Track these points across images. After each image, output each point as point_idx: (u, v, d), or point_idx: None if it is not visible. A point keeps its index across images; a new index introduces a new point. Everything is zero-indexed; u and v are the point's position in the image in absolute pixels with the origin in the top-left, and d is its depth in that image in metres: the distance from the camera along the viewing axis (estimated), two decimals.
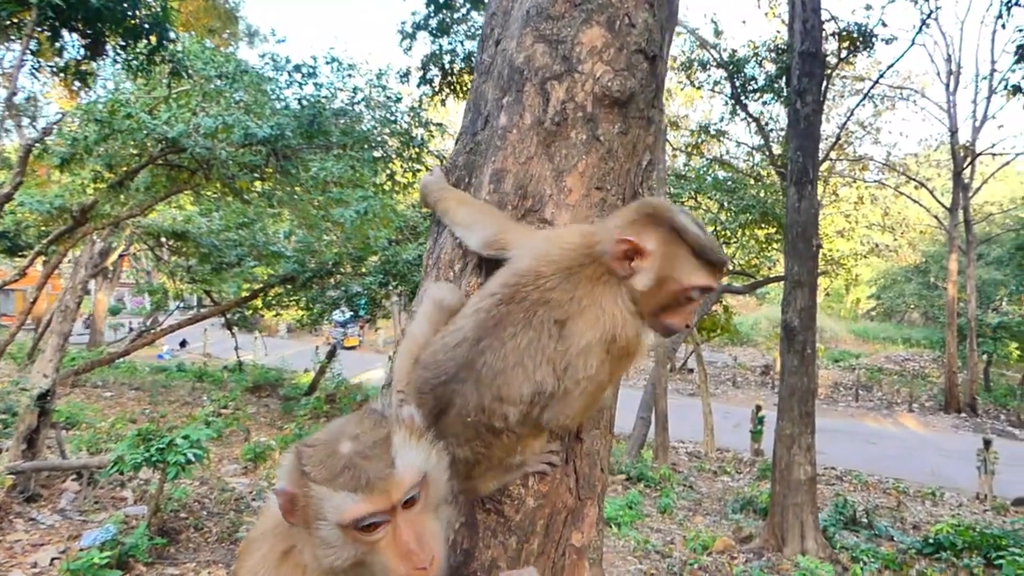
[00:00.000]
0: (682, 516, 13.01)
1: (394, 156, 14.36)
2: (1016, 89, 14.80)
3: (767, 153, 21.13)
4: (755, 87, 20.01)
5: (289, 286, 18.43)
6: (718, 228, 20.97)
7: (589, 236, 1.66)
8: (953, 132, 30.43)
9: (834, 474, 19.04)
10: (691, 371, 33.59)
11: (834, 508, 13.50)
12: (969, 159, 30.43)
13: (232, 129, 11.03)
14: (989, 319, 32.19)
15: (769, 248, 22.25)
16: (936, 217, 34.10)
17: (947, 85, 30.81)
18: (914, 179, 32.61)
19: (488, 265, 1.77)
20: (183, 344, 33.03)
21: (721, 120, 21.89)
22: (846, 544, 11.50)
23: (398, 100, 14.21)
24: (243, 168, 11.65)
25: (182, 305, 25.16)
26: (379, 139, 14.10)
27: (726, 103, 21.34)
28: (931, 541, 11.67)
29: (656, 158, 2.00)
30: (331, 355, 22.65)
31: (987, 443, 18.05)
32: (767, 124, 21.14)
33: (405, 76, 15.91)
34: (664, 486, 14.83)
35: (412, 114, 14.55)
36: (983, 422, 28.33)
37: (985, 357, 33.24)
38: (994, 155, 31.97)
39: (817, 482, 12.32)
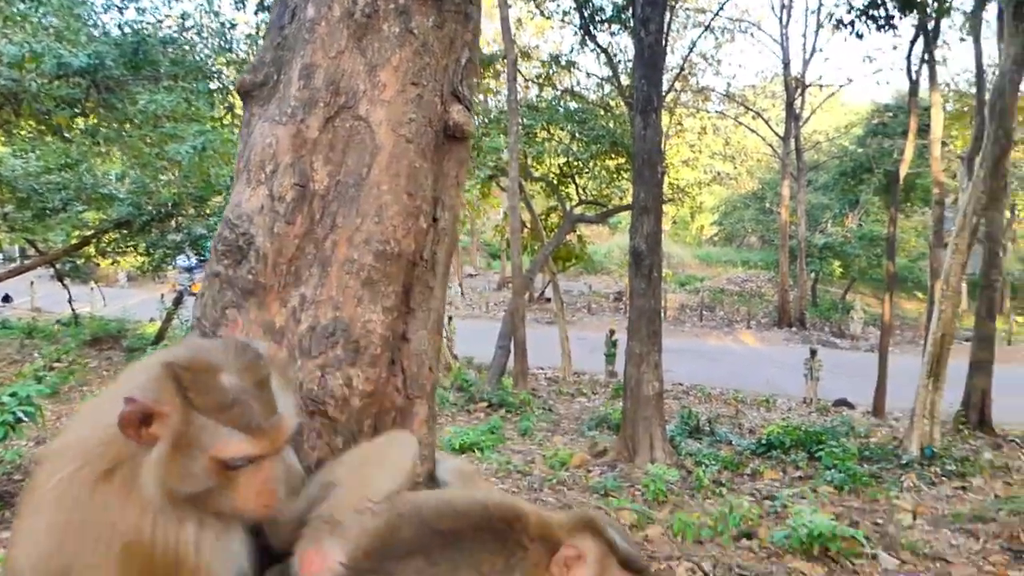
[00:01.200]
0: (541, 437, 13.52)
1: (233, 87, 13.51)
2: (840, 23, 15.79)
3: (616, 84, 21.57)
4: (603, 17, 20.25)
5: (125, 231, 17.14)
6: (570, 159, 21.37)
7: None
8: (786, 64, 32.28)
9: (681, 389, 20.32)
10: (548, 300, 34.50)
11: (680, 419, 14.47)
12: (800, 90, 32.46)
13: (42, 58, 9.96)
14: (816, 240, 35.00)
15: (619, 178, 22.93)
16: (771, 146, 36.36)
17: (780, 19, 32.58)
18: (752, 109, 34.49)
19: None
20: (6, 299, 30.21)
21: (571, 51, 21.99)
22: (691, 451, 12.39)
23: (233, 27, 13.31)
24: (60, 102, 10.61)
25: (2, 257, 22.92)
26: (215, 69, 13.20)
27: (576, 33, 21.51)
28: (763, 442, 12.80)
29: (475, 56, 1.96)
30: (177, 302, 21.47)
31: (813, 353, 19.81)
32: (616, 55, 21.52)
33: (241, 2, 14.90)
34: (524, 410, 15.31)
35: (250, 42, 13.70)
36: (810, 334, 31.05)
37: (813, 275, 36.27)
38: (821, 87, 34.27)
39: (665, 397, 13.13)
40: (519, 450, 12.35)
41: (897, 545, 8.35)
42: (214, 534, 1.28)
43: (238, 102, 14.20)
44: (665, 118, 21.83)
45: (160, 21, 12.86)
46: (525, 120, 20.25)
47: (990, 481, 11.60)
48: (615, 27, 20.44)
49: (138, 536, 1.21)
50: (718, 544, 8.11)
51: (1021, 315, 33.55)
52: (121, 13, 12.52)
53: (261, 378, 1.29)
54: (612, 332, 22.43)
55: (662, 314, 15.92)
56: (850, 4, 15.42)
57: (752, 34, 33.96)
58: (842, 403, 18.87)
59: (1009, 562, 7.99)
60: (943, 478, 11.68)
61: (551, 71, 23.45)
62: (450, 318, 23.02)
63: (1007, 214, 27.37)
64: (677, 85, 25.61)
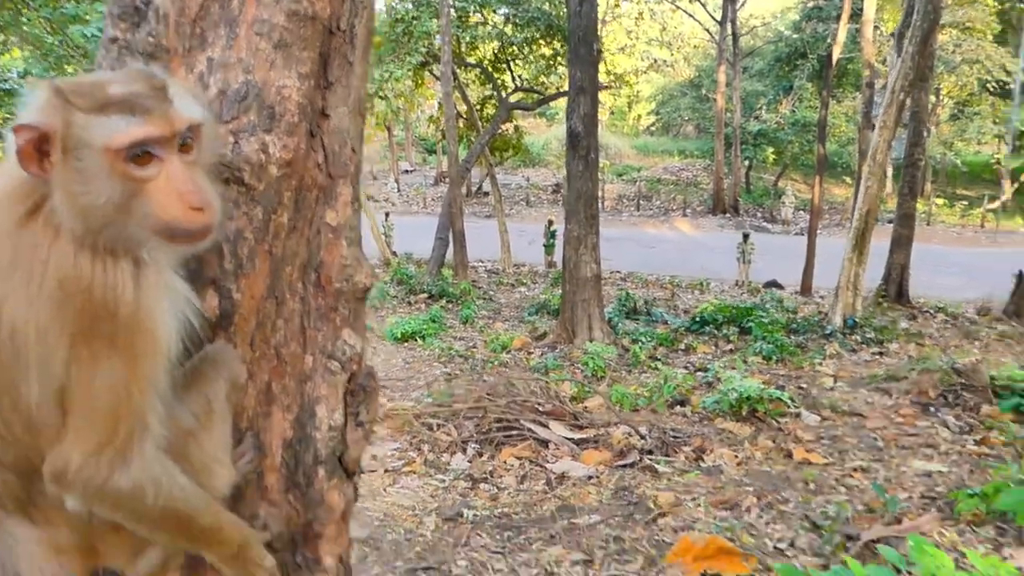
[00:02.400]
0: (482, 324, 13.70)
1: None
2: None
3: None
4: None
5: None
6: (505, 44, 20.76)
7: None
8: None
9: (619, 277, 20.70)
10: (486, 194, 34.29)
11: (618, 302, 14.81)
12: None
13: None
14: (751, 127, 35.29)
15: (555, 65, 22.46)
16: (708, 31, 35.94)
17: None
18: None
19: None
20: None
21: None
22: (628, 330, 12.76)
23: None
24: None
25: None
26: None
27: None
28: (697, 320, 13.24)
29: None
30: None
31: (745, 237, 20.31)
32: None
33: None
34: (465, 300, 15.43)
35: None
36: (744, 220, 31.77)
37: (747, 162, 36.77)
38: None
39: (603, 283, 13.42)
40: (461, 337, 12.52)
41: (819, 405, 8.88)
42: (153, 274, 1.18)
43: None
44: (601, 1, 21.24)
45: None
46: (456, 3, 19.48)
47: (904, 346, 12.33)
48: None
49: (73, 272, 1.14)
50: (653, 411, 8.49)
51: (940, 197, 34.86)
52: None
53: (157, 84, 1.18)
54: (551, 223, 22.51)
55: (600, 204, 16.02)
56: None
57: None
58: (772, 284, 19.53)
59: (917, 414, 8.60)
60: (863, 345, 12.35)
61: None
62: (387, 214, 22.74)
63: (932, 98, 27.94)
64: None
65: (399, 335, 11.77)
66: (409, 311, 14.26)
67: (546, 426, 7.48)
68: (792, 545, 4.99)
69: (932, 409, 8.79)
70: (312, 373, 1.27)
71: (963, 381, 9.27)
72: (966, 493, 5.56)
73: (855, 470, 6.76)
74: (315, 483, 1.27)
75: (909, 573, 3.23)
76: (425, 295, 15.51)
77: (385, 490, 6.29)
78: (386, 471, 6.62)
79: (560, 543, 5.11)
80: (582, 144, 11.42)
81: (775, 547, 4.68)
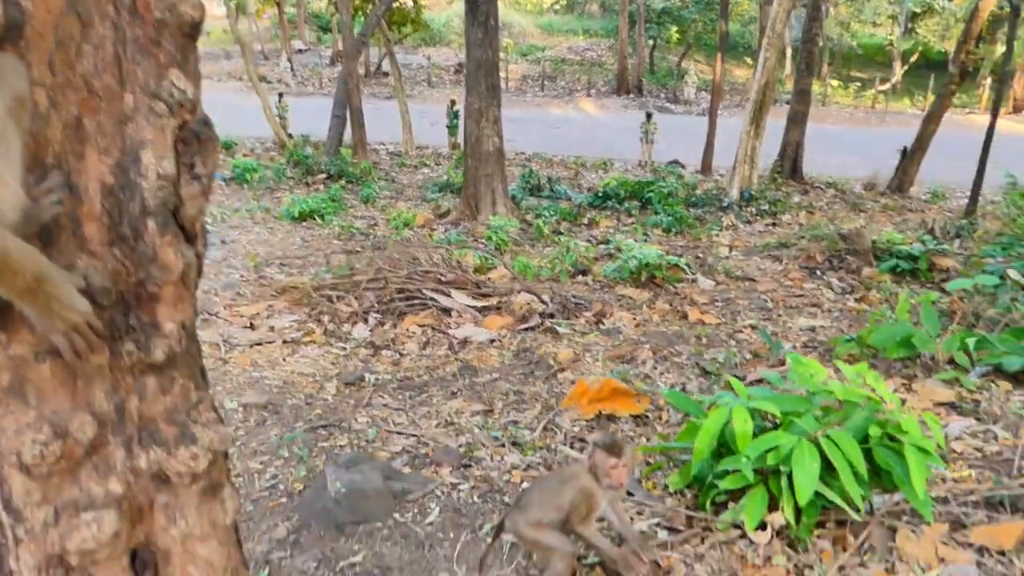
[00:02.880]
0: (384, 203, 13.38)
1: None
2: None
3: None
4: None
5: None
6: None
7: None
8: None
9: (524, 157, 20.49)
10: (386, 74, 32.88)
11: (521, 179, 14.71)
12: None
13: None
14: (655, 5, 34.78)
15: None
16: None
17: None
18: None
19: None
20: None
21: None
22: (531, 206, 12.72)
23: None
24: None
25: None
26: None
27: None
28: (600, 195, 13.32)
29: None
30: None
31: (648, 116, 20.30)
32: None
33: None
34: (365, 180, 14.98)
35: None
36: (647, 101, 31.78)
37: (651, 42, 36.45)
38: None
39: (508, 164, 13.21)
40: (361, 216, 12.20)
41: (714, 271, 9.18)
42: None
43: None
44: None
45: None
46: None
47: (796, 217, 12.83)
48: None
49: None
50: (555, 281, 8.58)
51: (836, 79, 35.75)
52: None
53: None
54: (453, 103, 21.86)
55: (504, 84, 15.56)
56: None
57: None
58: (674, 164, 19.78)
59: (804, 277, 9.03)
60: (757, 217, 12.78)
61: None
62: (280, 96, 21.48)
63: None
64: None
65: (296, 214, 11.36)
66: (307, 191, 13.74)
67: (448, 295, 7.44)
68: (683, 389, 5.21)
69: (818, 273, 9.25)
70: (134, 114, 1.11)
71: (847, 246, 9.75)
72: (844, 339, 5.92)
73: (745, 327, 7.08)
74: (144, 237, 1.13)
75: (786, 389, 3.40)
76: (323, 175, 14.95)
77: (284, 360, 6.16)
78: (285, 342, 6.48)
79: (461, 397, 5.17)
80: (481, 10, 10.93)
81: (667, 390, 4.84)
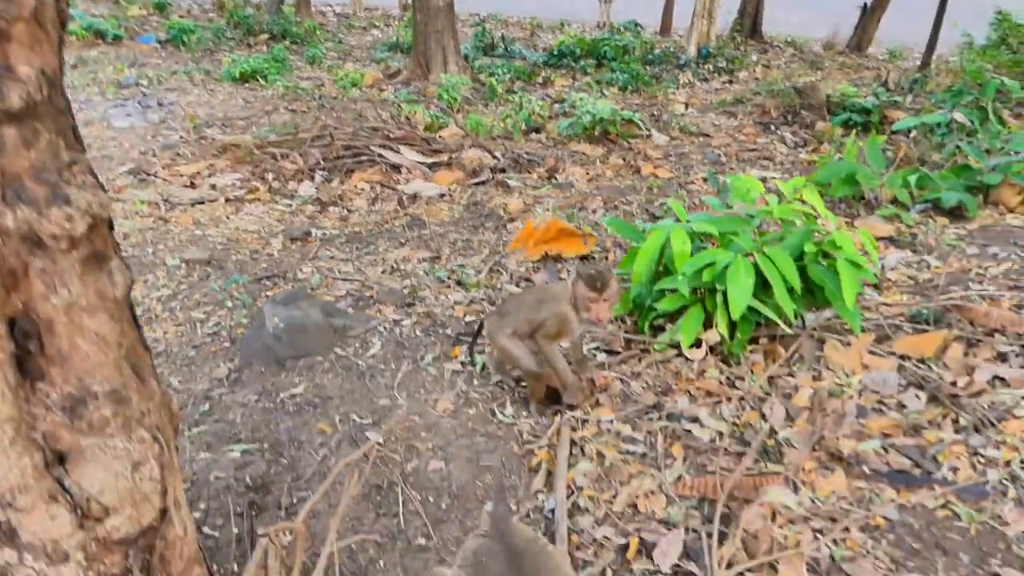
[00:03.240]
0: (331, 64, 12.80)
1: None
2: None
3: None
4: None
5: None
6: None
7: None
8: None
9: (477, 18, 19.64)
10: None
11: (475, 38, 14.12)
12: None
13: None
14: None
15: None
16: None
17: None
18: None
19: None
20: None
21: None
22: (484, 65, 12.28)
23: None
24: None
25: None
26: None
27: None
28: (555, 53, 12.88)
29: None
30: None
31: None
32: None
33: None
34: (311, 40, 14.27)
35: None
36: None
37: None
38: None
39: (461, 25, 12.63)
40: (307, 76, 11.66)
41: (669, 127, 9.04)
42: None
43: None
44: None
45: None
46: None
47: (753, 74, 12.61)
48: None
49: None
50: (508, 138, 8.38)
51: None
52: None
53: None
54: None
55: None
56: None
57: None
58: (633, 24, 19.15)
59: (759, 132, 8.95)
60: (714, 75, 12.52)
61: None
62: None
63: None
64: None
65: (237, 75, 10.82)
66: (249, 52, 13.04)
67: (397, 151, 7.24)
68: None
69: (772, 127, 9.17)
70: None
71: (802, 101, 9.63)
72: (792, 182, 5.93)
73: (698, 179, 7.05)
74: None
75: (728, 205, 3.40)
76: (266, 35, 14.17)
77: (228, 218, 6.01)
78: (227, 201, 6.29)
79: (408, 246, 5.11)
80: None
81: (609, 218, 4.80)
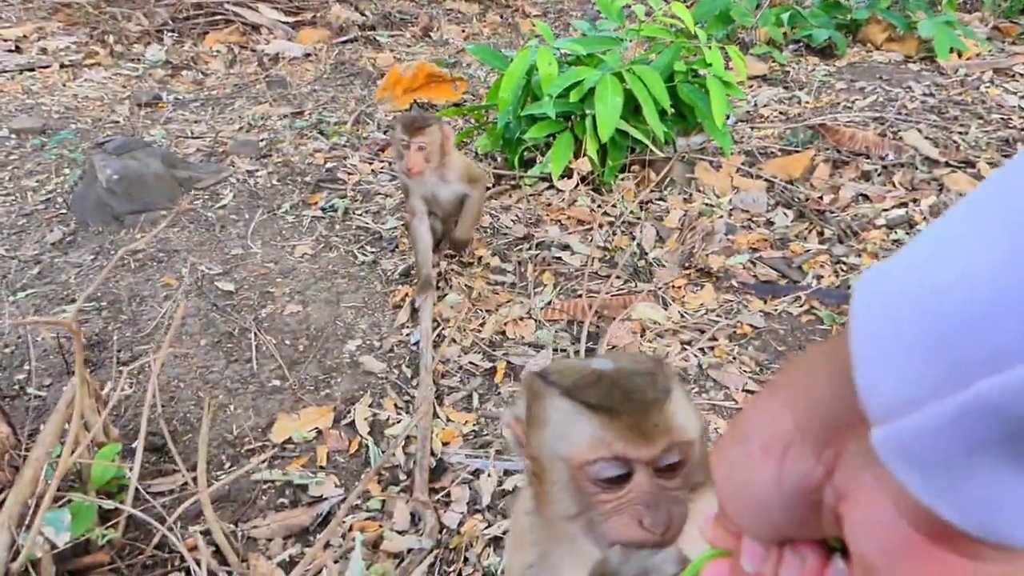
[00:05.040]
0: None
1: None
2: None
3: None
4: None
5: None
6: None
7: None
8: None
9: None
10: None
11: None
12: None
13: None
14: None
15: None
16: None
17: None
18: None
19: None
20: None
21: None
22: None
23: None
24: None
25: None
26: None
27: None
28: None
29: None
30: None
31: None
32: None
33: None
34: None
35: None
36: None
37: None
38: None
39: None
40: None
41: None
42: None
43: None
44: None
45: None
46: None
47: None
48: None
49: None
50: None
51: None
52: None
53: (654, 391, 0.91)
54: None
55: None
56: None
57: None
58: None
59: None
60: None
61: None
62: None
63: None
64: None
65: None
66: None
67: (255, 10, 6.62)
68: None
69: None
70: None
71: None
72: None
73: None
74: None
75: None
76: None
77: (65, 85, 5.39)
78: (63, 66, 5.63)
79: (268, 103, 4.72)
80: None
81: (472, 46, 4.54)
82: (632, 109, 2.78)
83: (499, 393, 2.13)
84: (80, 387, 1.51)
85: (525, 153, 3.07)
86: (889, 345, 0.30)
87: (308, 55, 5.98)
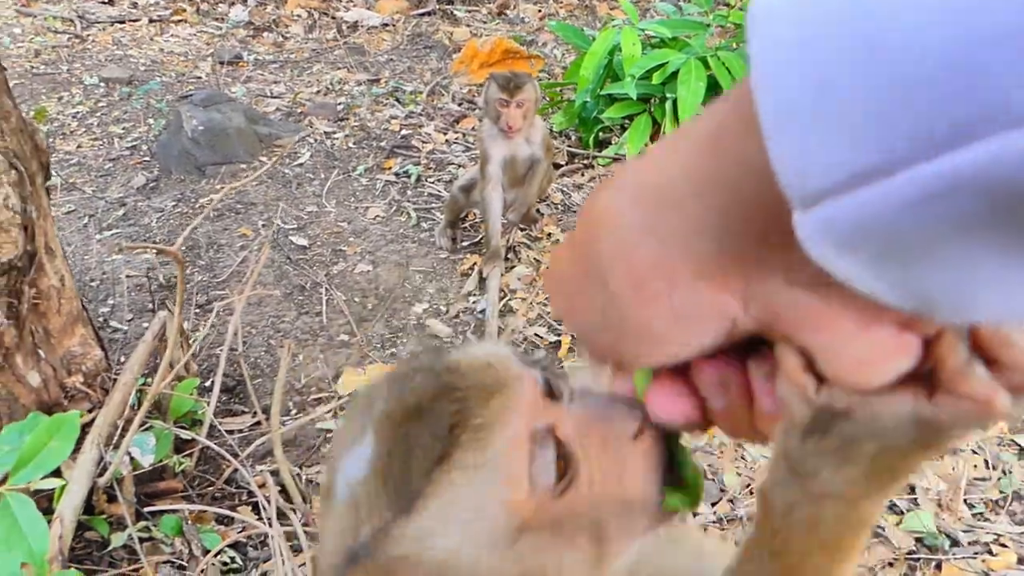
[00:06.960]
0: None
1: None
2: None
3: None
4: None
5: None
6: None
7: None
8: None
9: None
10: None
11: None
12: None
13: None
14: None
15: None
16: None
17: None
18: None
19: None
20: None
21: None
22: None
23: None
24: None
25: None
26: None
27: None
28: None
29: None
30: None
31: None
32: None
33: None
34: None
35: None
36: None
37: None
38: None
39: None
40: None
41: None
42: None
43: None
44: None
45: None
46: None
47: None
48: None
49: None
50: None
51: None
52: None
53: None
54: None
55: None
56: None
57: None
58: None
59: None
60: None
61: None
62: None
63: None
64: None
65: None
66: None
67: None
68: None
69: None
70: None
71: None
72: None
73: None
74: None
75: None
76: None
77: (152, 39, 5.56)
78: (151, 21, 5.80)
79: (346, 69, 4.79)
80: None
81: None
82: (714, 95, 2.75)
83: (562, 367, 2.15)
84: (178, 316, 1.57)
85: (600, 133, 3.06)
86: (819, 101, 0.22)
87: (386, 25, 6.03)
